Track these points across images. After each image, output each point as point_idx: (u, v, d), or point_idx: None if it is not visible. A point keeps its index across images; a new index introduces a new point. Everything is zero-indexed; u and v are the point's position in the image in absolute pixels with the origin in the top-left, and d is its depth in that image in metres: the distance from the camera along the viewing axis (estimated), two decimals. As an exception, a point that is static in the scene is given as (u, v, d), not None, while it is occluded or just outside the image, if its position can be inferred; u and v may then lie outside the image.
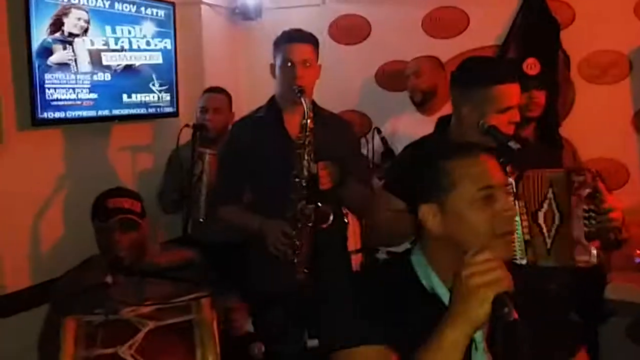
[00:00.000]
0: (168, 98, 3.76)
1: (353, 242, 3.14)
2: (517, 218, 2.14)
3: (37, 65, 2.94)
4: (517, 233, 2.14)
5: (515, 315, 1.18)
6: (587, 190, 2.12)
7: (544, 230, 2.16)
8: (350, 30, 4.27)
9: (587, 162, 3.32)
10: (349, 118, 3.50)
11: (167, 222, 3.71)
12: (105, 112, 3.35)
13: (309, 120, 2.51)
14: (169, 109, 3.78)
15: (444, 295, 1.44)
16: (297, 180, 2.50)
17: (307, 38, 2.63)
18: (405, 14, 4.09)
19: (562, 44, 3.77)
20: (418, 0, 4.07)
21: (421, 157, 1.52)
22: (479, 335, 1.44)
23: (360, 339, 1.41)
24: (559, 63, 3.77)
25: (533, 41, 3.78)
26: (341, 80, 4.04)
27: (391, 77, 4.15)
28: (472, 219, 1.38)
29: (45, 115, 2.99)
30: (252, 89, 4.13)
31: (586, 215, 2.12)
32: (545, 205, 2.17)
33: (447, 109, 2.37)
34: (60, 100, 3.07)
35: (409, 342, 1.36)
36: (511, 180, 2.11)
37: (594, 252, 2.12)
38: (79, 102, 3.17)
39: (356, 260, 3.40)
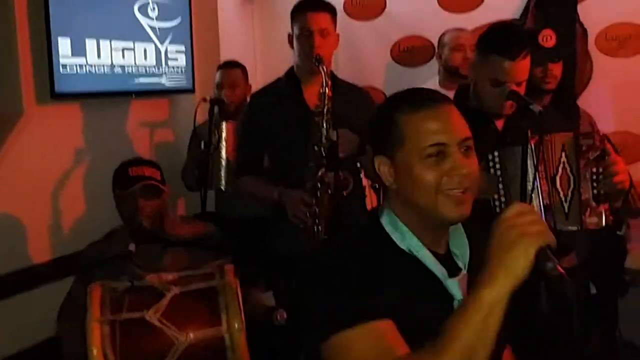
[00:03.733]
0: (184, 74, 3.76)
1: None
2: (537, 183, 2.15)
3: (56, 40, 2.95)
4: (536, 198, 2.16)
5: (561, 270, 1.07)
6: (595, 153, 2.14)
7: (561, 194, 2.18)
8: (365, 6, 4.24)
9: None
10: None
11: (187, 200, 3.72)
12: (122, 87, 3.36)
13: (327, 89, 2.50)
14: (186, 85, 3.79)
15: (425, 258, 1.34)
16: (315, 148, 2.50)
17: (324, 6, 2.61)
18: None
19: (579, 16, 3.74)
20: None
21: (378, 108, 1.42)
22: (457, 292, 1.33)
23: (354, 316, 1.23)
24: (576, 36, 3.74)
25: (550, 14, 3.75)
26: (356, 57, 4.02)
27: (407, 53, 4.12)
28: (418, 175, 1.31)
29: (63, 89, 3.00)
30: (268, 62, 4.13)
31: (594, 177, 2.14)
32: (560, 170, 2.18)
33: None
34: (79, 74, 3.09)
35: (399, 312, 1.25)
36: (532, 144, 2.11)
37: (603, 214, 2.14)
38: (96, 77, 3.19)
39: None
